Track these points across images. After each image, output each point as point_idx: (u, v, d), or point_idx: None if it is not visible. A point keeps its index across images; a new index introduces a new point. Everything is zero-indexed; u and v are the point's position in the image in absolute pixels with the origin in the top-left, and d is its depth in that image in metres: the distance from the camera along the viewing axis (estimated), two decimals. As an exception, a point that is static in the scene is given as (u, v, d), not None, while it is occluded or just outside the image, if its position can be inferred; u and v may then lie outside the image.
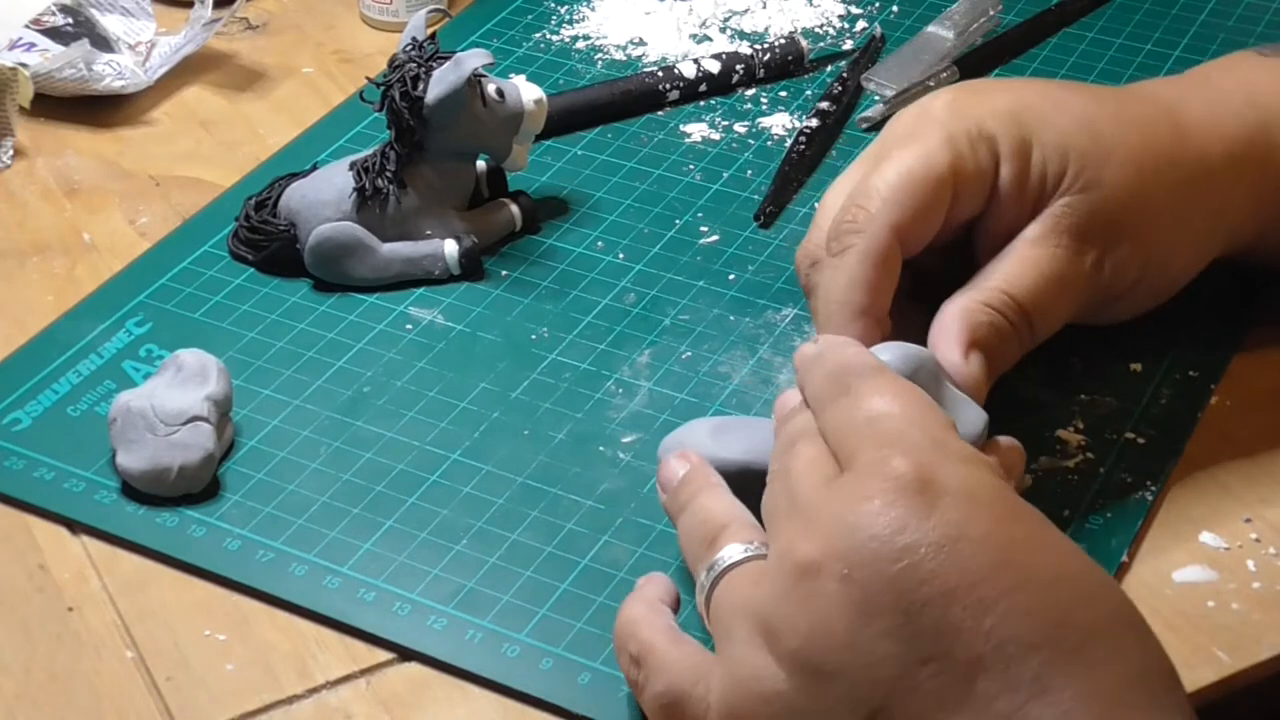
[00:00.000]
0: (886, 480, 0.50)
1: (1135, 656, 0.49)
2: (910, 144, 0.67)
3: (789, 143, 0.87)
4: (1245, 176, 0.70)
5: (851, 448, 0.53)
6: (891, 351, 0.61)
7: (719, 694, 0.53)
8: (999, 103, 0.68)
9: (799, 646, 0.50)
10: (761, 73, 0.93)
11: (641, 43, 0.96)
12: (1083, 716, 0.46)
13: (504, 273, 0.80)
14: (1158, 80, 0.74)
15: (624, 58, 0.95)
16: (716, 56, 0.92)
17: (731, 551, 0.56)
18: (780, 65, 0.93)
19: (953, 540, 0.49)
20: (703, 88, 0.91)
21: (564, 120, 0.88)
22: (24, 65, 0.88)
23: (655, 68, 0.92)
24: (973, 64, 0.93)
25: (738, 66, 0.92)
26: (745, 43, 0.95)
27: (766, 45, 0.93)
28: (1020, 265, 0.66)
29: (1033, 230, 0.67)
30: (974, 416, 0.62)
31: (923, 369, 0.61)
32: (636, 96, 0.90)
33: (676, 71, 0.91)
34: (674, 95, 0.91)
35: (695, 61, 0.92)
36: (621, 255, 0.81)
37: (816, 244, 0.67)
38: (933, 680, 0.48)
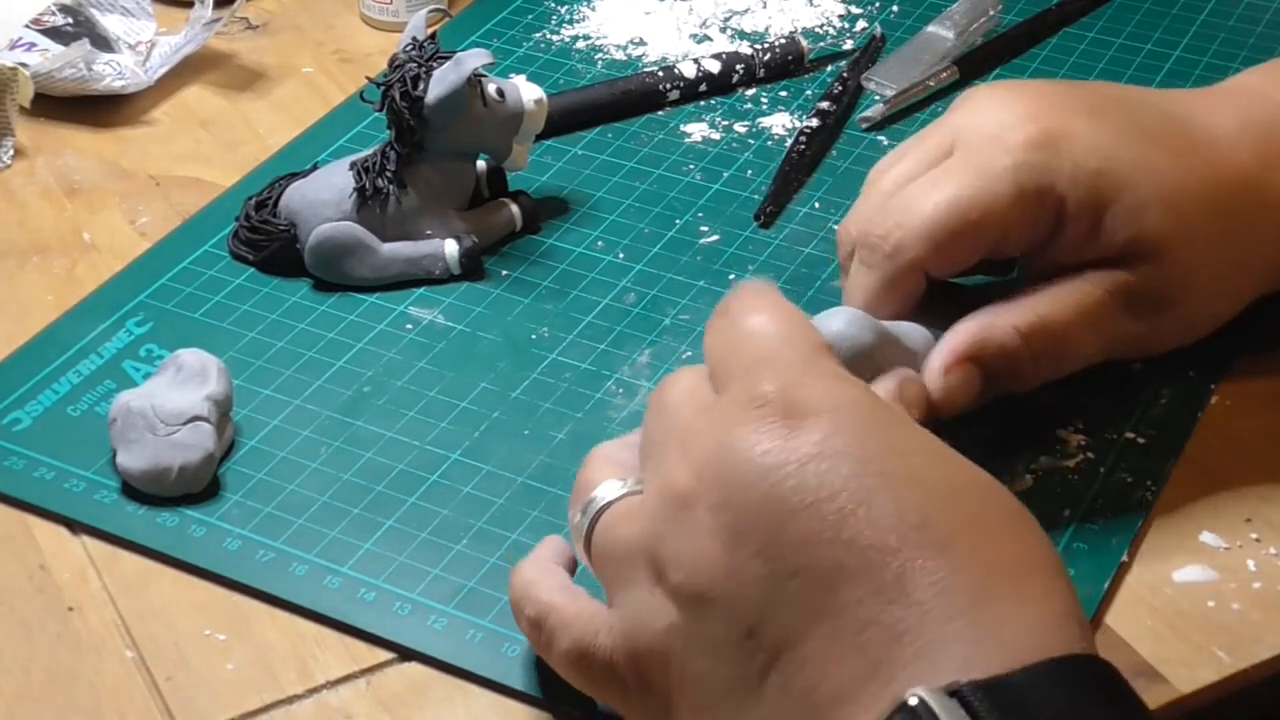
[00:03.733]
0: (754, 404, 0.50)
1: (1008, 549, 0.48)
2: (972, 171, 0.65)
3: (789, 143, 0.87)
4: None
5: (725, 370, 0.53)
6: (841, 317, 0.61)
7: (619, 638, 0.53)
8: (1081, 156, 0.65)
9: (683, 580, 0.50)
10: (761, 73, 0.93)
11: (641, 43, 0.96)
12: (943, 611, 0.46)
13: (504, 273, 0.80)
14: (1214, 106, 0.71)
15: (624, 58, 0.95)
16: (716, 56, 0.92)
17: (607, 489, 0.55)
18: (780, 65, 0.93)
19: (814, 456, 0.49)
20: (703, 88, 0.91)
21: (564, 120, 0.88)
22: (24, 65, 0.88)
23: (655, 68, 0.92)
24: (973, 64, 0.93)
25: (738, 66, 0.92)
26: (745, 43, 0.95)
27: (766, 45, 0.93)
28: (1066, 294, 0.66)
29: (1090, 281, 0.66)
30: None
31: (870, 336, 0.61)
32: (636, 96, 0.90)
33: (676, 71, 0.91)
34: (674, 95, 0.91)
35: (695, 61, 0.92)
36: (622, 255, 0.81)
37: (858, 225, 0.67)
38: (799, 592, 0.48)
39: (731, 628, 0.49)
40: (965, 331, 0.65)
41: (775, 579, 0.48)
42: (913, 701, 0.44)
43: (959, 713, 0.43)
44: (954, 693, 0.44)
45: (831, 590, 0.47)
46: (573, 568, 0.59)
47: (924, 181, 0.66)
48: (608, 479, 0.56)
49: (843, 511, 0.48)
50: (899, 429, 0.51)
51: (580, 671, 0.55)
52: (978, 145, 0.66)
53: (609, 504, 0.55)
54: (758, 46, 0.93)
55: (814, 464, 0.48)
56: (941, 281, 0.67)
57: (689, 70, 0.91)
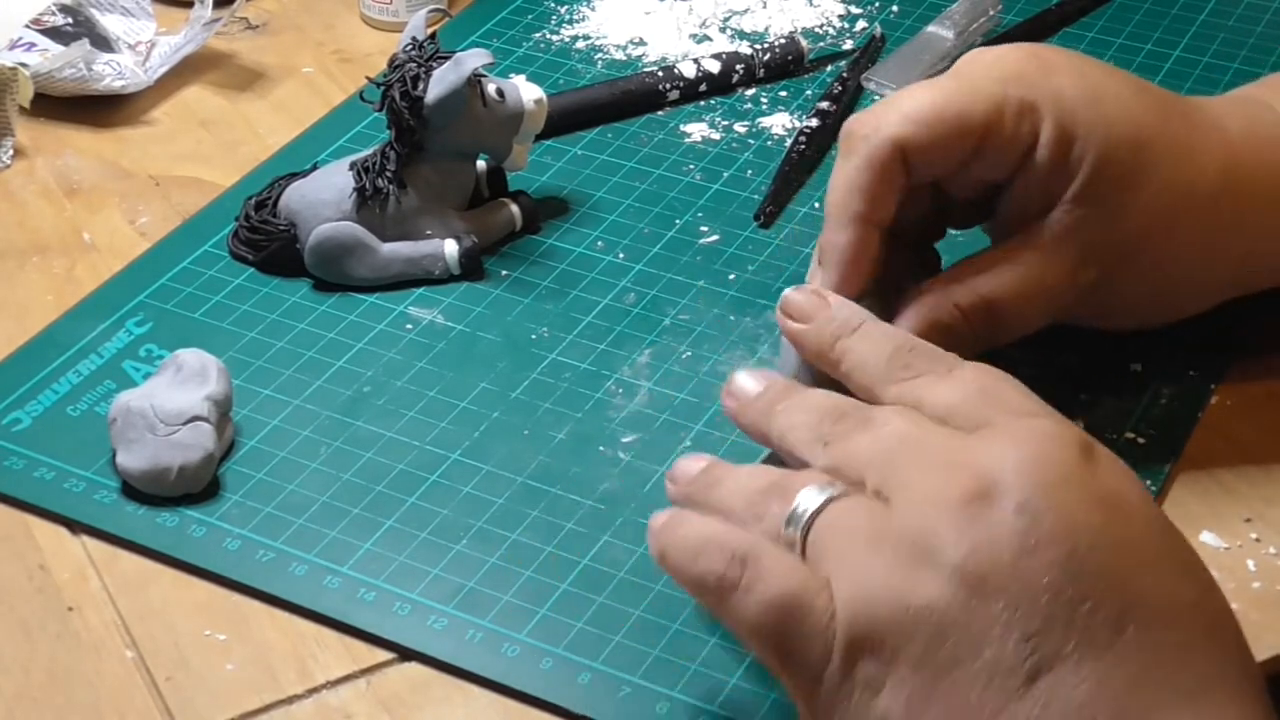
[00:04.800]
0: (1052, 431, 0.52)
1: (1243, 657, 0.52)
2: (960, 80, 0.67)
3: (789, 143, 0.87)
4: None
5: (980, 417, 0.54)
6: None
7: (850, 605, 0.51)
8: (1063, 84, 0.67)
9: (962, 561, 0.50)
10: (761, 73, 0.93)
11: (641, 43, 0.96)
12: (1213, 687, 0.49)
13: (504, 273, 0.80)
14: (1224, 104, 0.72)
15: (624, 58, 0.95)
16: (716, 56, 0.92)
17: (812, 495, 0.54)
18: (780, 65, 0.93)
19: (1115, 500, 0.51)
20: (703, 88, 0.91)
21: (564, 120, 0.88)
22: (24, 65, 0.88)
23: (655, 68, 0.92)
24: (973, 64, 0.93)
25: (738, 66, 0.92)
26: (745, 43, 0.95)
27: (766, 45, 0.93)
28: (1011, 270, 0.66)
29: (1040, 232, 0.67)
30: None
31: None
32: (636, 96, 0.90)
33: (676, 71, 0.91)
34: (674, 95, 0.91)
35: (695, 61, 0.92)
36: (621, 255, 0.81)
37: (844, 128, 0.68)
38: (1087, 619, 0.49)
39: (1011, 624, 0.49)
40: (914, 315, 0.66)
41: (1067, 598, 0.49)
42: None
43: None
44: None
45: (1119, 630, 0.49)
46: None
47: (912, 90, 0.67)
48: (802, 489, 0.54)
49: (1144, 564, 0.50)
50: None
51: (778, 624, 0.52)
52: (969, 69, 0.68)
53: (827, 503, 0.54)
54: (758, 46, 0.93)
55: (1115, 506, 0.51)
56: (913, 249, 0.69)
57: (689, 70, 0.91)
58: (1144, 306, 0.70)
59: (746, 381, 0.60)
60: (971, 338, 0.66)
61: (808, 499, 0.54)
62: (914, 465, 0.53)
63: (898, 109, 0.66)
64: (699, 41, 0.96)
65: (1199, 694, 0.49)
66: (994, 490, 0.51)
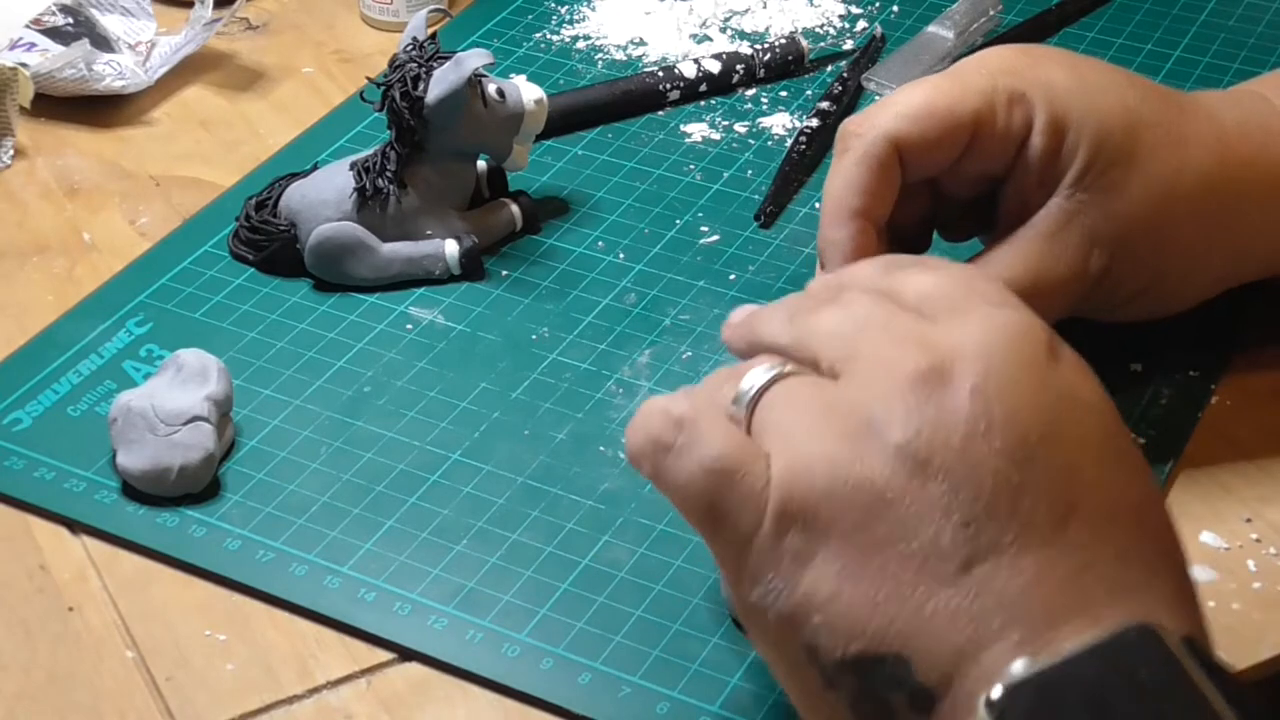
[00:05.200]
0: (1020, 321, 0.51)
1: (1179, 564, 0.51)
2: (951, 77, 0.67)
3: (789, 143, 0.87)
4: None
5: (951, 304, 0.52)
6: None
7: (785, 473, 0.50)
8: (1053, 75, 0.67)
9: (908, 440, 0.49)
10: (761, 73, 0.93)
11: (641, 43, 0.96)
12: (1168, 568, 0.49)
13: (504, 273, 0.80)
14: (1220, 97, 0.72)
15: (624, 58, 0.95)
16: (716, 56, 0.92)
17: (759, 374, 0.53)
18: (780, 65, 0.93)
19: (1072, 396, 0.50)
20: (703, 88, 0.91)
21: (564, 120, 0.88)
22: (24, 65, 0.88)
23: (655, 68, 0.92)
24: (973, 64, 0.93)
25: (738, 66, 0.92)
26: (745, 43, 0.95)
27: (766, 45, 0.93)
28: (1018, 256, 0.66)
29: (1043, 220, 0.67)
30: None
31: None
32: (636, 96, 0.90)
33: (677, 71, 0.91)
34: (674, 95, 0.91)
35: (695, 61, 0.92)
36: (622, 255, 0.81)
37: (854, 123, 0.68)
38: (1030, 511, 0.48)
39: (950, 508, 0.48)
40: None
41: (1014, 487, 0.48)
42: (1136, 632, 0.46)
43: (1184, 649, 0.46)
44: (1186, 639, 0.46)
45: (1062, 525, 0.48)
46: None
47: (905, 89, 0.68)
48: (749, 370, 0.53)
49: (1101, 461, 0.49)
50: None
51: (710, 487, 0.51)
52: (960, 69, 0.68)
53: (775, 379, 0.53)
54: (758, 46, 0.93)
55: (1072, 401, 0.50)
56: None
57: (689, 70, 0.91)
58: (1144, 297, 0.70)
59: (743, 309, 0.58)
60: None
61: (754, 377, 0.53)
62: (871, 342, 0.52)
63: (891, 106, 0.66)
64: (699, 41, 0.96)
65: (1134, 592, 0.48)
66: (950, 371, 0.49)
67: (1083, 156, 0.66)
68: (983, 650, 0.47)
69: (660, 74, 0.91)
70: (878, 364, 0.51)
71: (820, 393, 0.51)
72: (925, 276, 0.54)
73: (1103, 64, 0.70)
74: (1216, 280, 0.71)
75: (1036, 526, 0.48)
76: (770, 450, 0.51)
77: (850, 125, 0.67)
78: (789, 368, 0.53)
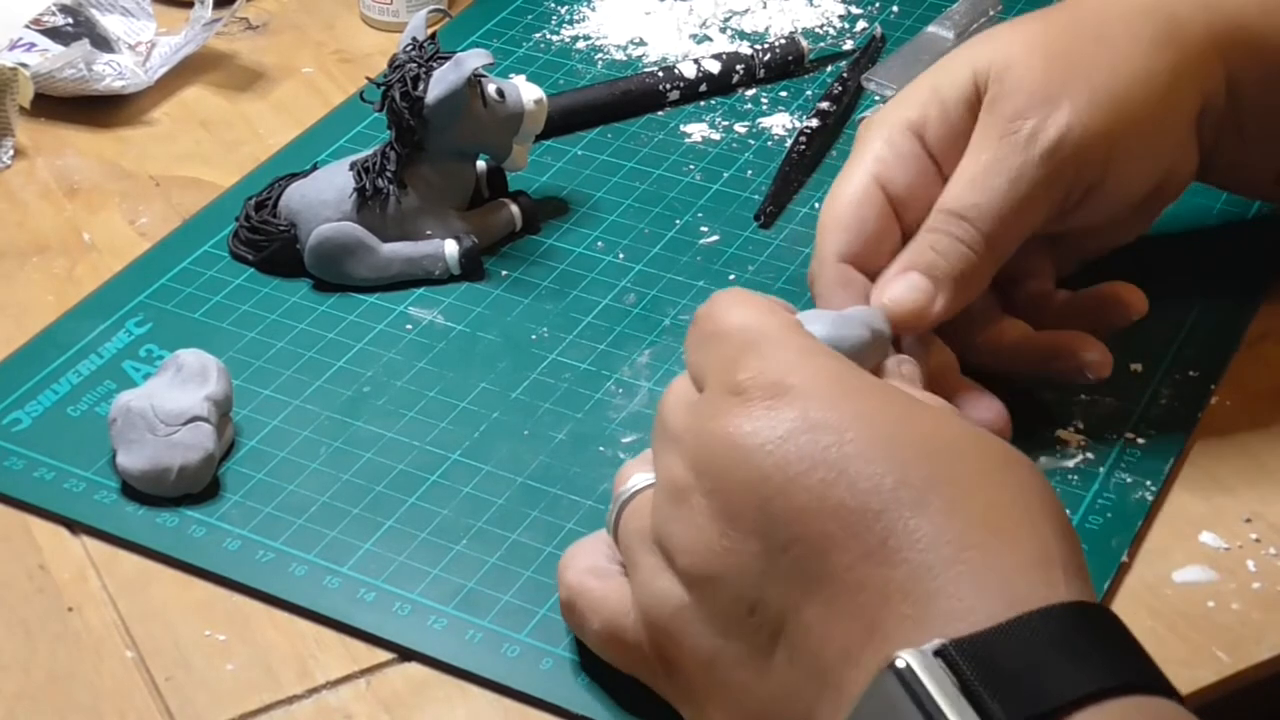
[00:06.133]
0: (733, 391, 0.53)
1: (985, 498, 0.49)
2: (846, 165, 0.69)
3: (789, 143, 0.87)
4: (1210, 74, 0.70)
5: (704, 369, 0.55)
6: (821, 321, 0.61)
7: (641, 617, 0.55)
8: (958, 69, 0.69)
9: (688, 563, 0.53)
10: (761, 73, 0.93)
11: (641, 43, 0.96)
12: (929, 568, 0.47)
13: (504, 273, 0.80)
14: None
15: (624, 58, 0.95)
16: (717, 57, 0.92)
17: (634, 482, 0.58)
18: (780, 65, 0.93)
19: (793, 432, 0.51)
20: (703, 88, 0.91)
21: (564, 120, 0.88)
22: (24, 65, 0.88)
23: (655, 68, 0.92)
24: (973, 64, 0.93)
25: (738, 67, 0.92)
26: (745, 43, 0.95)
27: (766, 45, 0.93)
28: (974, 184, 0.67)
29: (992, 150, 0.67)
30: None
31: (857, 331, 0.61)
32: (636, 97, 0.90)
33: (677, 72, 0.91)
34: (674, 95, 0.91)
35: (695, 61, 0.92)
36: (621, 255, 0.81)
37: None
38: (793, 564, 0.50)
39: (736, 605, 0.51)
40: (907, 251, 0.67)
41: (770, 554, 0.50)
42: (900, 664, 0.45)
43: (943, 673, 0.45)
44: (938, 652, 0.45)
45: (823, 558, 0.49)
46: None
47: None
48: (635, 473, 0.59)
49: (825, 481, 0.49)
50: (874, 394, 0.52)
51: (613, 651, 0.58)
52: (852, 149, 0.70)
53: (632, 496, 0.58)
54: (758, 47, 0.93)
55: (793, 440, 0.50)
56: None
57: (689, 70, 0.91)
58: (1089, 201, 0.69)
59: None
60: (974, 255, 0.66)
61: (630, 484, 0.58)
62: (656, 455, 0.56)
63: (821, 231, 0.68)
64: (699, 42, 0.96)
65: (926, 576, 0.48)
66: (689, 483, 0.53)
67: (1021, 101, 0.66)
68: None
69: (660, 74, 0.91)
70: (658, 482, 0.56)
71: (651, 515, 0.55)
72: (676, 382, 0.57)
73: (1006, 26, 0.71)
74: (1167, 163, 0.70)
75: (802, 576, 0.50)
76: (632, 580, 0.56)
77: (810, 273, 0.68)
78: (648, 480, 0.58)
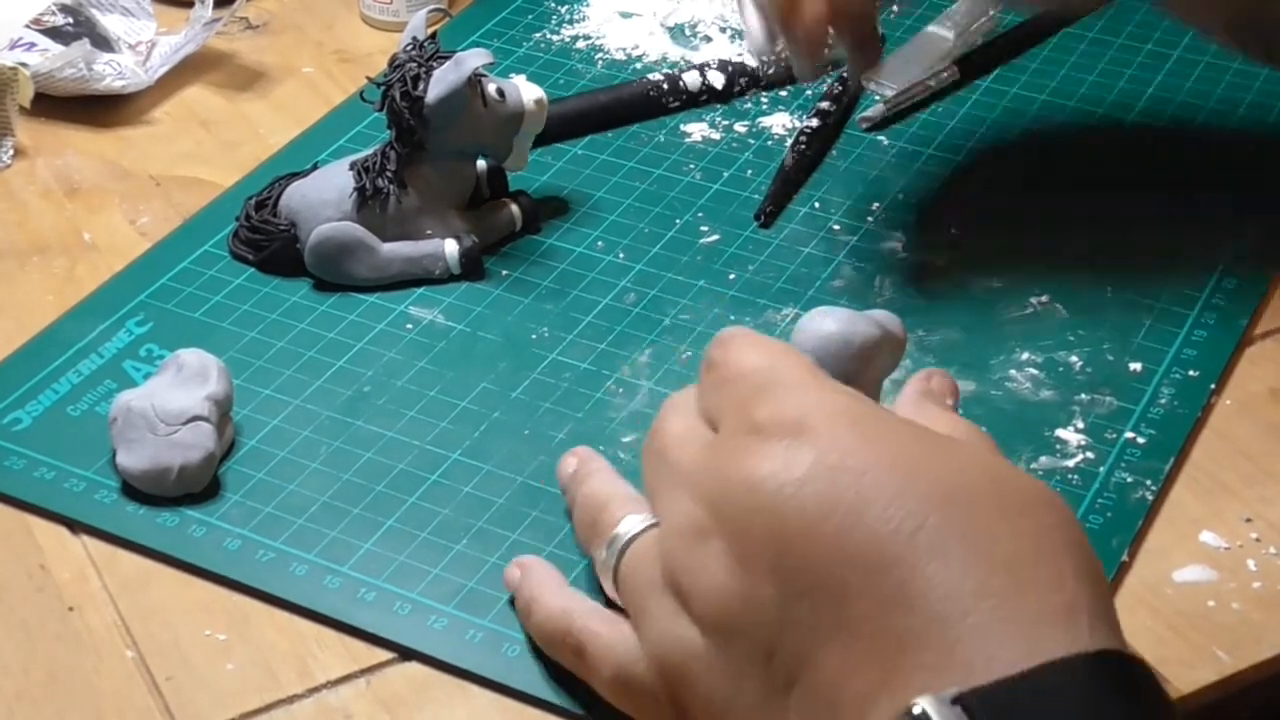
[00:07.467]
0: (752, 432, 0.52)
1: (1007, 544, 0.48)
2: None
3: (789, 143, 0.87)
4: None
5: (721, 409, 0.55)
6: (833, 317, 0.61)
7: (654, 664, 0.54)
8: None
9: (705, 609, 0.52)
10: (764, 81, 0.92)
11: (640, 45, 0.96)
12: (947, 615, 0.47)
13: (504, 272, 0.80)
14: None
15: (624, 58, 0.95)
16: (721, 68, 0.92)
17: (629, 525, 0.57)
18: (784, 74, 0.92)
19: (812, 476, 0.50)
20: (704, 98, 0.91)
21: (563, 129, 0.87)
22: (24, 65, 0.88)
23: (658, 72, 0.92)
24: (973, 64, 0.93)
25: (741, 79, 0.92)
26: (743, 43, 0.95)
27: (770, 59, 0.93)
28: None
29: None
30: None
31: (865, 328, 0.61)
32: (639, 110, 0.90)
33: (681, 85, 0.90)
34: (674, 104, 0.90)
35: (700, 73, 0.91)
36: (622, 255, 0.81)
37: None
38: (811, 612, 0.49)
39: (753, 652, 0.50)
40: None
41: (787, 602, 0.49)
42: (916, 710, 0.44)
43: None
44: (957, 699, 0.44)
45: (841, 606, 0.48)
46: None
47: None
48: (627, 515, 0.58)
49: (843, 528, 0.49)
50: (893, 434, 0.52)
51: (626, 699, 0.56)
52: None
53: (633, 539, 0.57)
54: (765, 59, 0.93)
55: (811, 484, 0.50)
56: None
57: (693, 82, 0.91)
58: None
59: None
60: None
61: (626, 527, 0.57)
62: (661, 497, 0.56)
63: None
64: (699, 43, 0.96)
65: (944, 624, 0.47)
66: (707, 527, 0.52)
67: None
68: None
69: (665, 85, 0.91)
70: (669, 525, 0.55)
71: (662, 560, 0.54)
72: (675, 421, 0.57)
73: None
74: None
75: (819, 623, 0.49)
76: (642, 626, 0.55)
77: None
78: (648, 520, 0.57)
